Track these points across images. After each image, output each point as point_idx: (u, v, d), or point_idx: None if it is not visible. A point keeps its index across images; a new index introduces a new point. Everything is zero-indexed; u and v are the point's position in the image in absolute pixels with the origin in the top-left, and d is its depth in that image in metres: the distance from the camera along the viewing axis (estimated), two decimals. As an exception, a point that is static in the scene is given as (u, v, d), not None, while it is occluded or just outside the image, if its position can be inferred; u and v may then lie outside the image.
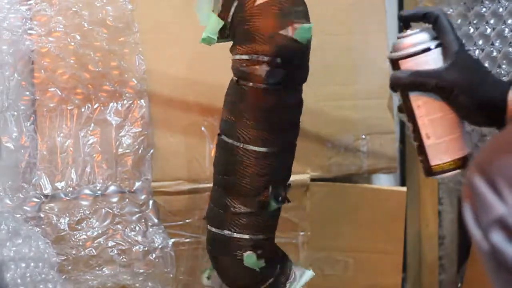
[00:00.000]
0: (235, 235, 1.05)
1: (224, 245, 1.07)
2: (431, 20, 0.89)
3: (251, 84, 0.99)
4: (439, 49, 0.89)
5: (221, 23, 1.00)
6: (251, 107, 1.00)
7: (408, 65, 0.90)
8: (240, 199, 1.04)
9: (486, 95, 0.85)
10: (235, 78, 1.02)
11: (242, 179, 1.03)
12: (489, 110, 0.85)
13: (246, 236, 1.05)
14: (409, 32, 0.91)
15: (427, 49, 0.89)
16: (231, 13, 0.99)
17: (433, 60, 0.89)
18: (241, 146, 1.01)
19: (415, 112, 0.91)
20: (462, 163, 0.91)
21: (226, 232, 1.06)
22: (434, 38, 0.90)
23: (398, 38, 0.92)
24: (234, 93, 1.02)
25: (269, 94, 0.99)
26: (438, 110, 0.89)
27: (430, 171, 0.93)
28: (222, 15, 1.01)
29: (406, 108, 0.92)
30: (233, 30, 1.01)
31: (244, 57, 0.98)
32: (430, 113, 0.90)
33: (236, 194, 1.04)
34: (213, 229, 1.08)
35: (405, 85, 0.89)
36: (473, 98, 0.86)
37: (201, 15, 1.00)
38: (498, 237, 0.58)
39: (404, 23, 0.92)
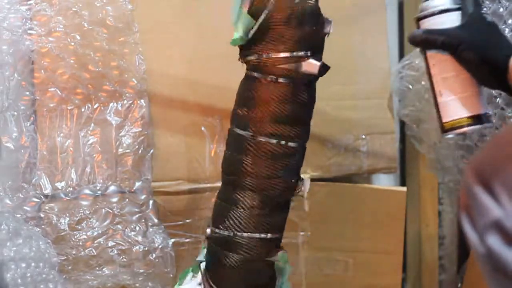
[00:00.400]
0: (263, 235, 1.05)
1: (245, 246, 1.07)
2: None
3: (282, 80, 1.01)
4: (458, 12, 0.93)
5: (252, 23, 1.00)
6: (278, 101, 1.02)
7: (426, 24, 0.95)
8: (255, 196, 1.04)
9: (490, 55, 0.88)
10: (258, 75, 1.02)
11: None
12: (494, 70, 0.88)
13: (275, 235, 1.07)
14: None
15: (446, 10, 0.93)
16: (263, 14, 1.00)
17: (450, 21, 0.93)
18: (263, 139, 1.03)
19: (431, 70, 0.95)
20: (473, 121, 0.94)
21: (256, 234, 1.06)
22: (458, 3, 0.94)
23: (424, 1, 0.96)
24: (259, 90, 1.03)
25: (303, 88, 1.03)
26: (451, 69, 0.93)
27: (442, 128, 0.97)
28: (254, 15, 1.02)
29: (425, 67, 0.97)
30: (263, 30, 1.01)
31: (283, 55, 1.01)
32: (442, 71, 0.94)
33: (248, 190, 1.05)
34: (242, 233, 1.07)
35: (418, 42, 0.94)
36: (478, 55, 0.89)
37: (233, 14, 1.01)
38: (494, 240, 0.58)
39: None
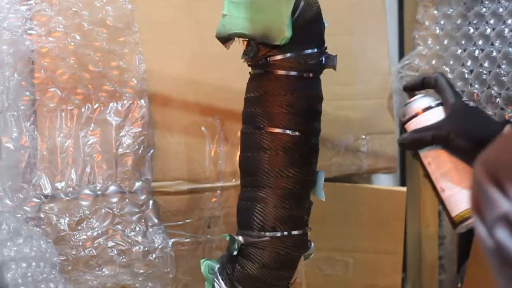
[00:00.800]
0: (294, 232, 1.06)
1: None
2: (431, 84, 0.95)
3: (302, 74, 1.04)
4: (440, 108, 0.94)
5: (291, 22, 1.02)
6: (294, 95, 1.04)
7: (412, 126, 0.96)
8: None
9: (480, 136, 0.89)
10: (281, 72, 1.03)
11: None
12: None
13: (302, 231, 1.08)
14: (413, 98, 0.97)
15: (428, 108, 0.94)
16: (297, 13, 1.03)
17: (435, 117, 0.93)
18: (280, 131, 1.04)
19: (428, 169, 0.95)
20: None
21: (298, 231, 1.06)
22: (438, 99, 0.95)
23: (404, 105, 0.98)
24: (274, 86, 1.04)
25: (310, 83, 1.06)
26: (447, 163, 0.93)
27: (453, 223, 0.97)
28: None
29: (422, 168, 0.97)
30: (296, 29, 1.03)
31: (310, 51, 1.04)
32: (439, 167, 0.93)
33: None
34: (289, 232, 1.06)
35: (408, 144, 0.95)
36: (469, 140, 0.90)
37: (287, 13, 1.02)
38: (502, 234, 0.58)
39: (408, 92, 0.99)
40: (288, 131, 1.04)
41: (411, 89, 0.98)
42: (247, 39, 1.05)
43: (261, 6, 1.03)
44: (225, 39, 1.06)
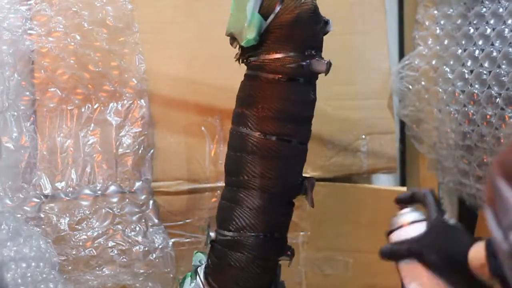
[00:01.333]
0: (269, 235, 1.06)
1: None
2: (420, 198, 0.97)
3: (281, 78, 1.03)
4: (423, 223, 0.95)
5: (263, 24, 1.01)
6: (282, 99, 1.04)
7: (394, 237, 0.98)
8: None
9: (452, 253, 0.91)
10: (265, 75, 1.03)
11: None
12: (459, 269, 0.90)
13: (281, 235, 1.08)
14: (402, 211, 0.98)
15: (412, 222, 0.96)
16: (272, 15, 1.02)
17: (415, 232, 0.95)
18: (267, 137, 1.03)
19: (404, 281, 0.96)
20: None
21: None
22: (423, 216, 0.96)
23: (394, 217, 0.99)
24: (262, 88, 1.04)
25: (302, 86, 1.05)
26: (421, 276, 0.94)
27: None
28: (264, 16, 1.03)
29: (400, 280, 0.98)
30: (272, 30, 1.02)
31: (292, 54, 1.02)
32: (414, 279, 0.95)
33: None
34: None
35: (386, 255, 0.97)
36: (441, 256, 0.92)
37: (249, 15, 1.01)
38: None
39: (399, 205, 1.00)
40: (276, 138, 1.03)
41: (402, 202, 1.01)
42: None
43: (239, 5, 1.03)
44: (230, 38, 1.06)
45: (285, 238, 1.10)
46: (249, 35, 1.01)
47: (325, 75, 1.06)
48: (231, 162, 1.08)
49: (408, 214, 0.97)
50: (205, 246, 1.11)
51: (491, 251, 0.83)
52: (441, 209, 0.96)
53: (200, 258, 1.12)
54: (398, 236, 0.97)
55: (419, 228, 0.95)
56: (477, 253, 0.87)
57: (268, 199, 1.05)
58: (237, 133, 1.06)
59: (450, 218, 0.95)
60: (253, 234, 1.05)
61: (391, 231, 0.98)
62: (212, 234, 1.08)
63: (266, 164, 1.04)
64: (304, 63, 1.02)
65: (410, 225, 0.96)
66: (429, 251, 0.92)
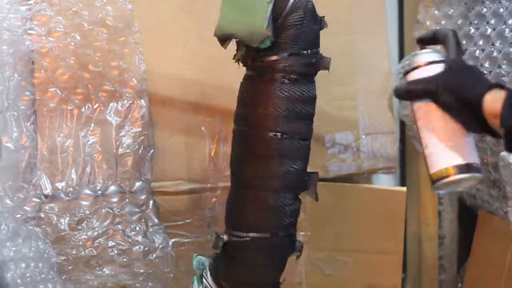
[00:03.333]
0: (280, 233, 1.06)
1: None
2: (441, 37, 0.96)
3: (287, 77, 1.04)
4: (441, 64, 0.94)
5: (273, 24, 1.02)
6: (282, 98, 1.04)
7: (410, 77, 0.96)
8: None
9: (465, 95, 0.89)
10: (271, 75, 1.03)
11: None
12: (474, 111, 0.89)
13: (290, 232, 1.08)
14: (421, 51, 0.97)
15: (430, 63, 0.94)
16: (282, 17, 1.03)
17: (432, 72, 0.93)
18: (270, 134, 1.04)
19: (417, 123, 0.95)
20: (460, 170, 0.92)
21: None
22: (442, 57, 0.95)
23: (412, 55, 0.97)
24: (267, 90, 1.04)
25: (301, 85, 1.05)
26: (435, 120, 0.93)
27: (431, 180, 0.95)
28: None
29: (413, 121, 0.97)
30: (281, 31, 1.03)
31: (303, 52, 1.03)
32: (427, 123, 0.93)
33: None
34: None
35: (402, 93, 0.96)
36: (454, 96, 0.90)
37: (267, 17, 1.02)
38: None
39: (420, 44, 0.99)
40: (278, 134, 1.03)
41: (423, 42, 0.99)
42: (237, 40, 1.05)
43: (243, 6, 1.03)
44: (222, 39, 1.06)
45: (295, 234, 1.10)
46: (268, 37, 1.01)
47: (328, 71, 1.07)
48: (236, 162, 1.08)
49: (426, 54, 0.95)
50: (214, 248, 1.10)
51: (509, 104, 0.81)
52: (461, 50, 0.94)
53: (202, 261, 1.12)
54: (415, 76, 0.94)
55: (437, 69, 0.93)
56: (493, 101, 0.85)
57: (276, 197, 1.05)
58: (241, 133, 1.06)
59: (468, 60, 0.94)
60: (265, 233, 1.05)
61: (408, 71, 0.95)
62: (225, 237, 1.07)
63: (272, 162, 1.04)
64: (312, 61, 1.04)
65: (428, 65, 0.94)
66: (444, 90, 0.90)
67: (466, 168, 0.92)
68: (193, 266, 1.13)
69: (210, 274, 1.11)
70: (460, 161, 0.92)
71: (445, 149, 0.92)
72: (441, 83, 0.91)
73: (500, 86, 0.89)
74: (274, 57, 1.03)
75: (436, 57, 0.95)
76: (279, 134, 1.03)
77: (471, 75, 0.92)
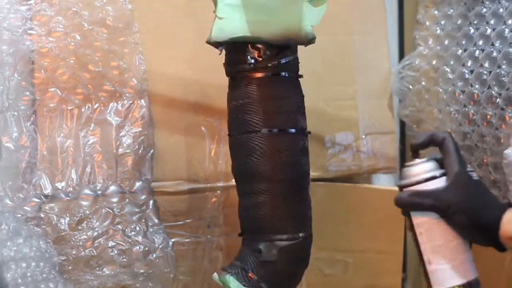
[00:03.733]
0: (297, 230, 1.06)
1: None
2: (438, 142, 0.91)
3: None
4: (444, 178, 0.91)
5: None
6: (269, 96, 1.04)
7: (413, 190, 0.92)
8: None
9: (481, 217, 0.87)
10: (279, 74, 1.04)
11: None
12: (485, 231, 0.87)
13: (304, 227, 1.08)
14: (416, 161, 0.93)
15: (432, 178, 0.91)
16: None
17: (438, 185, 0.90)
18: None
19: (418, 238, 0.93)
20: None
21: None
22: (441, 167, 0.92)
23: (406, 166, 0.94)
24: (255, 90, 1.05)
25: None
26: (439, 238, 0.91)
27: None
28: None
29: (411, 232, 0.94)
30: None
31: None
32: (431, 240, 0.92)
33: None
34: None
35: (405, 204, 0.91)
36: (469, 218, 0.88)
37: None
38: None
39: (413, 152, 0.94)
40: (278, 131, 1.03)
41: (417, 148, 0.94)
42: (251, 43, 1.03)
43: (271, 8, 1.02)
44: (219, 43, 1.05)
45: (310, 227, 1.10)
46: (312, 32, 1.03)
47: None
48: (238, 167, 1.07)
49: (425, 165, 0.92)
50: (260, 260, 1.05)
51: None
52: (463, 159, 0.90)
53: (235, 284, 1.04)
54: (417, 189, 0.91)
55: (440, 182, 0.90)
56: (510, 222, 0.83)
57: (295, 196, 1.05)
58: (237, 138, 1.05)
59: (472, 170, 0.90)
60: (295, 234, 1.04)
61: (407, 185, 0.92)
62: (261, 246, 1.04)
63: (273, 159, 1.03)
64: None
65: (430, 180, 0.90)
66: (457, 209, 0.87)
67: (470, 285, 0.92)
68: (220, 284, 1.07)
69: (243, 281, 1.05)
70: (465, 279, 0.92)
71: (450, 267, 0.91)
72: (453, 203, 0.87)
73: (510, 205, 0.88)
74: (288, 58, 1.04)
75: (436, 170, 0.91)
76: (278, 130, 1.03)
77: (482, 193, 0.90)
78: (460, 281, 0.92)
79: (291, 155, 1.04)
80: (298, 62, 1.07)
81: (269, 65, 1.04)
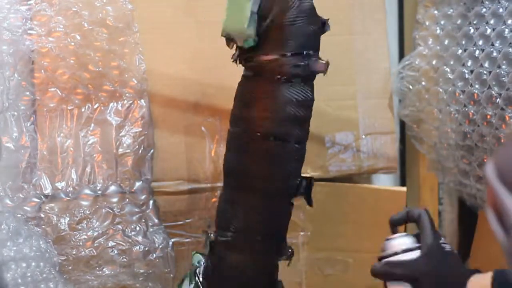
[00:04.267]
0: (268, 235, 1.07)
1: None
2: (414, 218, 0.97)
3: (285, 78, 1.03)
4: (418, 251, 0.94)
5: (263, 25, 1.02)
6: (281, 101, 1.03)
7: (389, 261, 0.96)
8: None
9: (450, 282, 0.90)
10: (263, 75, 1.03)
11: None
12: None
13: (280, 235, 1.09)
14: (395, 235, 0.98)
15: (407, 250, 0.95)
16: (271, 16, 1.02)
17: (413, 256, 0.94)
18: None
19: None
20: None
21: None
22: (417, 243, 0.96)
23: (386, 240, 0.98)
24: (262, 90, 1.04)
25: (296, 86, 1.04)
26: None
27: None
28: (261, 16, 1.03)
29: None
30: (271, 31, 1.03)
31: (289, 54, 1.02)
32: None
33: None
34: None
35: (378, 273, 0.96)
36: (439, 285, 0.91)
37: (247, 16, 1.01)
38: None
39: (392, 227, 1.01)
40: (271, 137, 1.03)
41: (396, 224, 1.00)
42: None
43: (235, 6, 1.03)
44: (227, 39, 1.06)
45: (285, 239, 1.10)
46: (249, 36, 1.01)
47: (324, 75, 1.05)
48: (229, 163, 1.08)
49: (402, 239, 0.97)
50: (204, 247, 1.11)
51: (498, 284, 0.83)
52: (436, 232, 0.95)
53: (199, 259, 1.12)
54: (393, 260, 0.96)
55: (415, 254, 0.94)
56: (477, 285, 0.86)
57: (267, 200, 1.05)
58: (235, 134, 1.06)
59: (445, 242, 0.94)
60: (252, 235, 1.05)
61: (384, 257, 0.97)
62: (212, 235, 1.08)
63: (264, 165, 1.04)
64: (302, 64, 1.02)
65: (405, 253, 0.95)
66: (427, 279, 0.91)
67: None
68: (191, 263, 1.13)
69: (203, 273, 1.10)
70: None
71: None
72: (423, 272, 0.91)
73: (478, 271, 0.90)
74: (263, 57, 1.02)
75: (411, 243, 0.95)
76: (271, 137, 1.03)
77: (450, 261, 0.93)
78: None
79: (252, 159, 1.04)
80: (278, 65, 1.03)
81: (243, 63, 1.06)
